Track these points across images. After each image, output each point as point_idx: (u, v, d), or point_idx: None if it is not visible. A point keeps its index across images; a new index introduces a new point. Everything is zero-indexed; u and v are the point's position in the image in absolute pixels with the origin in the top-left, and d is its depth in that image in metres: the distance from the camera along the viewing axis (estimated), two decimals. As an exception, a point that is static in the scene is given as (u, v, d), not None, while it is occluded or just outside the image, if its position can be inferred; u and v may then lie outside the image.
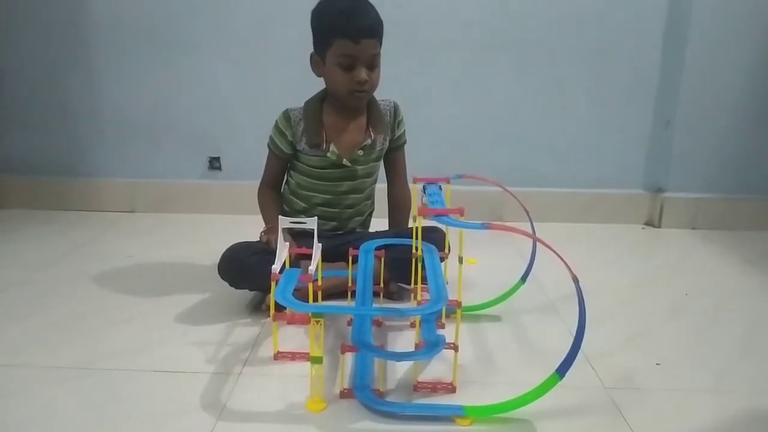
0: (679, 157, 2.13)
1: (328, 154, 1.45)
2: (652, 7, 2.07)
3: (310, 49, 1.42)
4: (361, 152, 1.47)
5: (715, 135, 2.11)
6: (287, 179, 1.54)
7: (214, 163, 2.22)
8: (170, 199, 2.22)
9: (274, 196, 1.53)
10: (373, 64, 1.38)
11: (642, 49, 2.11)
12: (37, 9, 2.11)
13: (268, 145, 1.50)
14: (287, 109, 1.48)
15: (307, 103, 1.47)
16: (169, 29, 2.11)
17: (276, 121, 1.48)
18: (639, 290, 1.61)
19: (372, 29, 1.35)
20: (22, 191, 2.23)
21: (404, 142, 1.56)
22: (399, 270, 1.39)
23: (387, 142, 1.52)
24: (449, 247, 1.33)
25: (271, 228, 1.40)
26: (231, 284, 1.38)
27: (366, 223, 1.60)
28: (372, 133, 1.47)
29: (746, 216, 2.15)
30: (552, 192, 2.19)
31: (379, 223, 1.62)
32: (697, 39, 2.03)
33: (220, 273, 1.38)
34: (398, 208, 1.58)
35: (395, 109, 1.53)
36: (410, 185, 1.34)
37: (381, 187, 1.59)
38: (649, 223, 2.21)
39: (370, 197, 1.58)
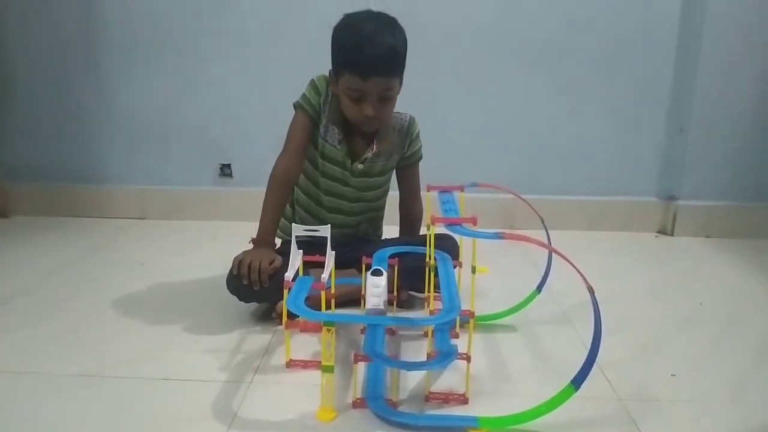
0: (692, 165, 2.11)
1: (338, 145, 1.41)
2: (665, 14, 2.06)
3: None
4: (361, 166, 1.44)
5: (729, 142, 2.10)
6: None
7: (225, 170, 2.22)
8: (181, 205, 2.23)
9: (284, 193, 1.41)
10: (385, 98, 1.32)
11: (655, 56, 2.10)
12: (47, 16, 2.12)
13: (298, 104, 1.41)
14: (327, 75, 1.41)
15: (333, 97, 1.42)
16: (179, 36, 2.12)
17: (312, 79, 1.41)
18: (653, 299, 1.60)
19: (383, 66, 1.27)
20: (32, 198, 2.24)
21: (419, 159, 1.52)
22: (410, 278, 1.38)
23: (393, 160, 1.48)
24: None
25: (260, 240, 1.35)
26: (240, 299, 1.37)
27: (368, 234, 1.56)
28: (375, 147, 1.43)
29: (761, 224, 2.13)
30: (564, 199, 2.18)
31: (390, 230, 1.61)
32: (711, 46, 2.02)
33: (228, 288, 1.36)
34: (409, 223, 1.55)
35: (410, 125, 1.48)
36: (423, 193, 1.32)
37: (393, 197, 1.57)
38: (662, 231, 2.20)
39: (366, 214, 1.53)
